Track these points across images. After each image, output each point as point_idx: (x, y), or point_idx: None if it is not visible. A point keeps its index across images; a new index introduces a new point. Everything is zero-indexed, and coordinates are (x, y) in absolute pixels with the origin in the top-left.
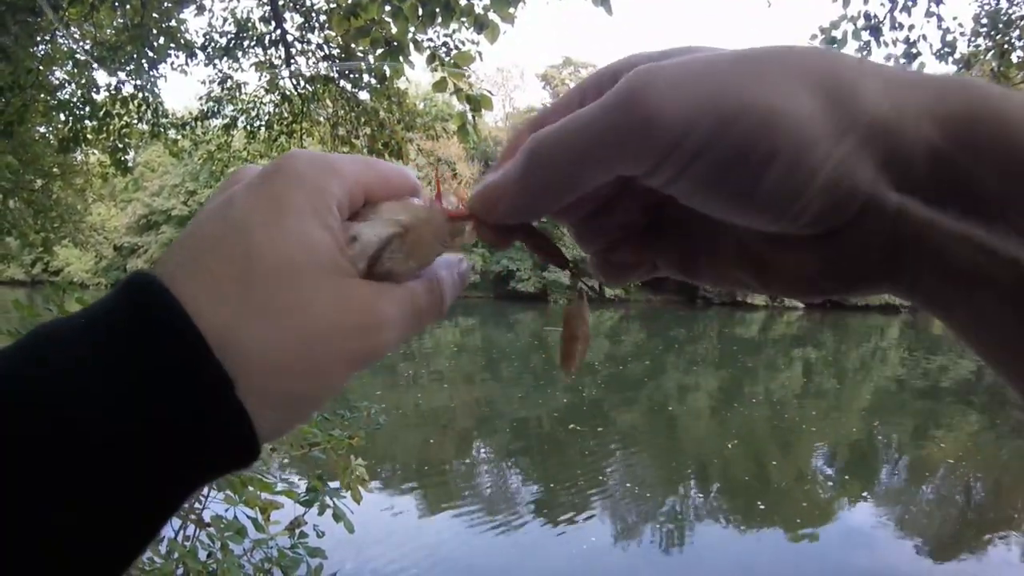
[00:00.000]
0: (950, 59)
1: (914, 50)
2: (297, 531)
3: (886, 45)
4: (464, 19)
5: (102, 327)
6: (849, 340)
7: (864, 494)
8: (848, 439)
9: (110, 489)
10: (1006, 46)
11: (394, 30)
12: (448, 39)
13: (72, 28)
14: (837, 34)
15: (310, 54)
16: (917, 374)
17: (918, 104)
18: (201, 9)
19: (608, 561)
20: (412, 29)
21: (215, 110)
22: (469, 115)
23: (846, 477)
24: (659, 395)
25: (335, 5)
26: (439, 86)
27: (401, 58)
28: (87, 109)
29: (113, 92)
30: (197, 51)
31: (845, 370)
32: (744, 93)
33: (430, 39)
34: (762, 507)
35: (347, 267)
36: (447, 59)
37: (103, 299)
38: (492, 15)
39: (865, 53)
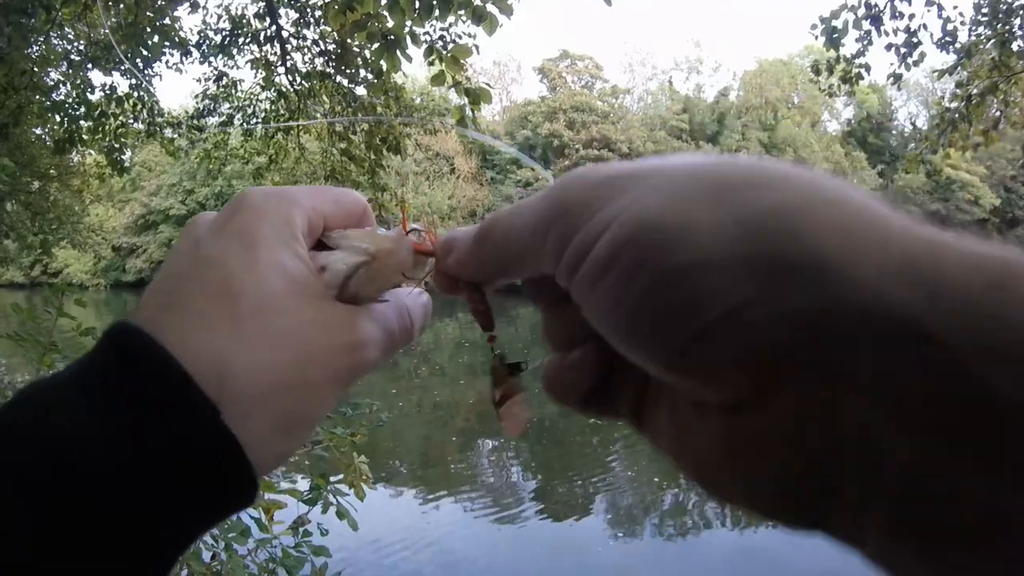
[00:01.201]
0: (951, 48)
1: (915, 39)
2: (301, 530)
3: (887, 35)
4: (462, 11)
5: (86, 379)
6: None
7: None
8: None
9: (101, 509)
10: (1007, 35)
11: (390, 24)
12: (444, 33)
13: (66, 28)
14: (838, 23)
15: (306, 50)
16: None
17: (889, 250)
18: (195, 6)
19: (613, 553)
20: (409, 23)
21: (211, 108)
22: (468, 109)
23: None
24: None
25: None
26: (437, 80)
27: (398, 52)
28: (82, 109)
29: (108, 92)
30: (192, 49)
31: None
32: (626, 193)
33: (427, 33)
34: None
35: (322, 291)
36: (445, 52)
37: (85, 355)
38: (490, 6)
39: (866, 43)
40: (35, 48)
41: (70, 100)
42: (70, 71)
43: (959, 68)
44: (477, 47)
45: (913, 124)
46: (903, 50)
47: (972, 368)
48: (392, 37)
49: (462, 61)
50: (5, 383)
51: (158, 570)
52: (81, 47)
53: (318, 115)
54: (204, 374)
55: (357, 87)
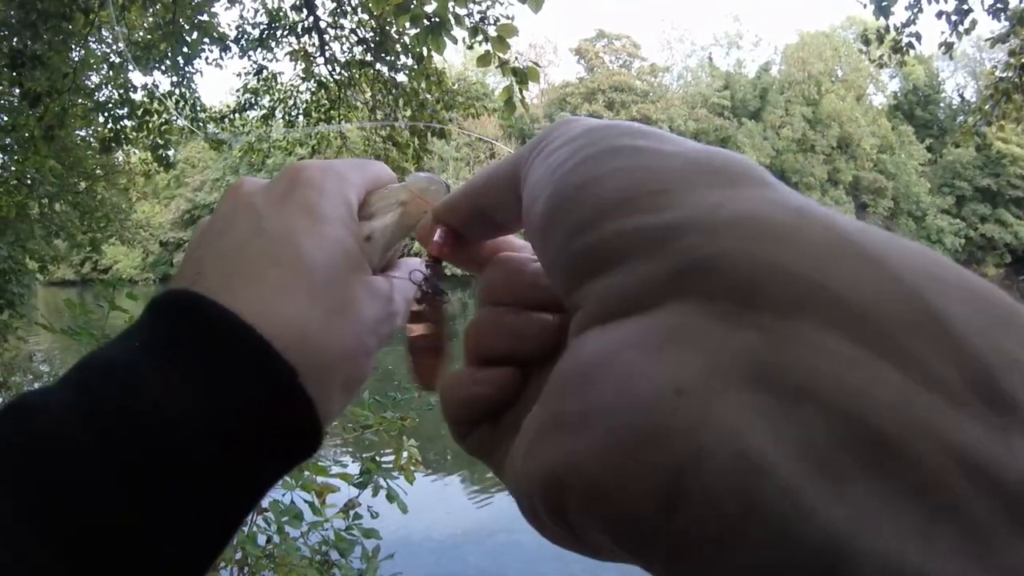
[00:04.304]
0: (1003, 15)
1: (965, 6)
2: (352, 513)
3: (937, 2)
4: None
5: (165, 353)
6: None
7: None
8: None
9: (196, 467)
10: None
11: (434, 5)
12: (483, 15)
13: (104, 32)
14: None
15: (344, 39)
16: None
17: None
18: (232, 1)
19: None
20: (452, 4)
21: (252, 102)
22: (515, 88)
23: None
24: None
25: None
26: (484, 60)
27: (443, 34)
28: (126, 109)
29: (150, 90)
30: (231, 44)
31: None
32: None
33: (468, 15)
34: None
35: (367, 266)
36: (490, 32)
37: (144, 325)
38: None
39: (916, 11)
40: (75, 51)
41: (112, 101)
42: (110, 73)
43: (1011, 36)
44: (516, 29)
45: (961, 96)
46: (954, 17)
47: None
48: (436, 19)
49: (507, 40)
50: (60, 376)
51: (236, 519)
52: (120, 48)
53: (358, 104)
54: (284, 341)
55: (397, 74)
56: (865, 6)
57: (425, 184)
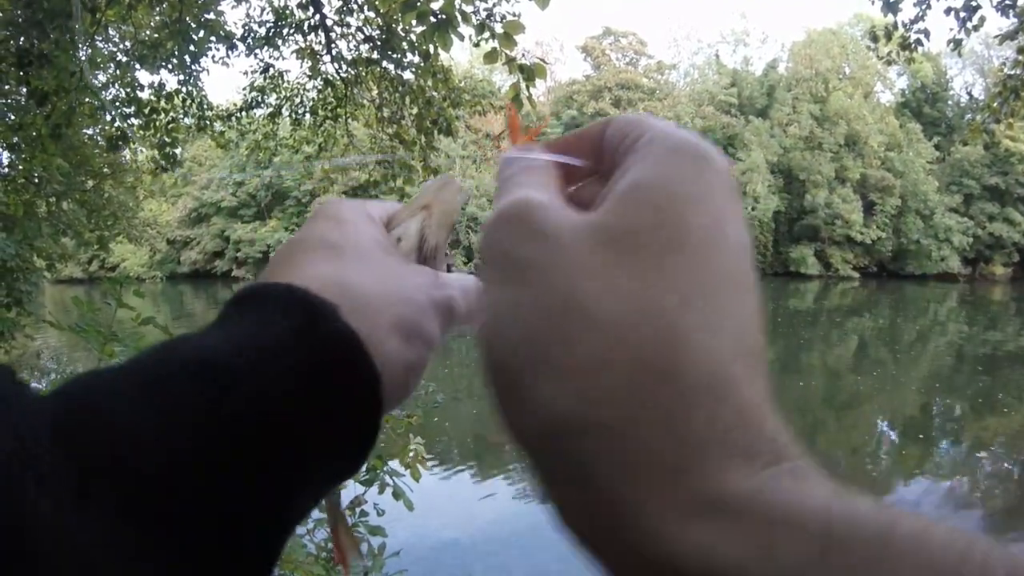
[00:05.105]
0: (1011, 12)
1: (974, 3)
2: (357, 510)
3: None
4: None
5: (213, 323)
6: (906, 310)
7: (921, 468)
8: (905, 412)
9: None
10: None
11: (441, 2)
12: (490, 12)
13: (111, 31)
14: None
15: (350, 37)
16: (975, 345)
17: None
18: (239, 0)
19: None
20: (459, 1)
21: (259, 100)
22: (523, 85)
23: (903, 451)
24: None
25: None
26: (491, 57)
27: (450, 31)
28: (133, 108)
29: (157, 89)
30: (237, 42)
31: (902, 341)
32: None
33: (475, 11)
34: None
35: (403, 257)
36: (497, 29)
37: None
38: None
39: (924, 7)
40: (82, 50)
41: (120, 100)
42: (117, 72)
43: (1020, 32)
44: (523, 27)
45: (969, 94)
46: (962, 14)
47: None
48: (443, 16)
49: (514, 37)
50: (68, 373)
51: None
52: (127, 46)
53: (365, 102)
54: (323, 290)
55: (404, 71)
56: (873, 3)
57: (438, 185)
